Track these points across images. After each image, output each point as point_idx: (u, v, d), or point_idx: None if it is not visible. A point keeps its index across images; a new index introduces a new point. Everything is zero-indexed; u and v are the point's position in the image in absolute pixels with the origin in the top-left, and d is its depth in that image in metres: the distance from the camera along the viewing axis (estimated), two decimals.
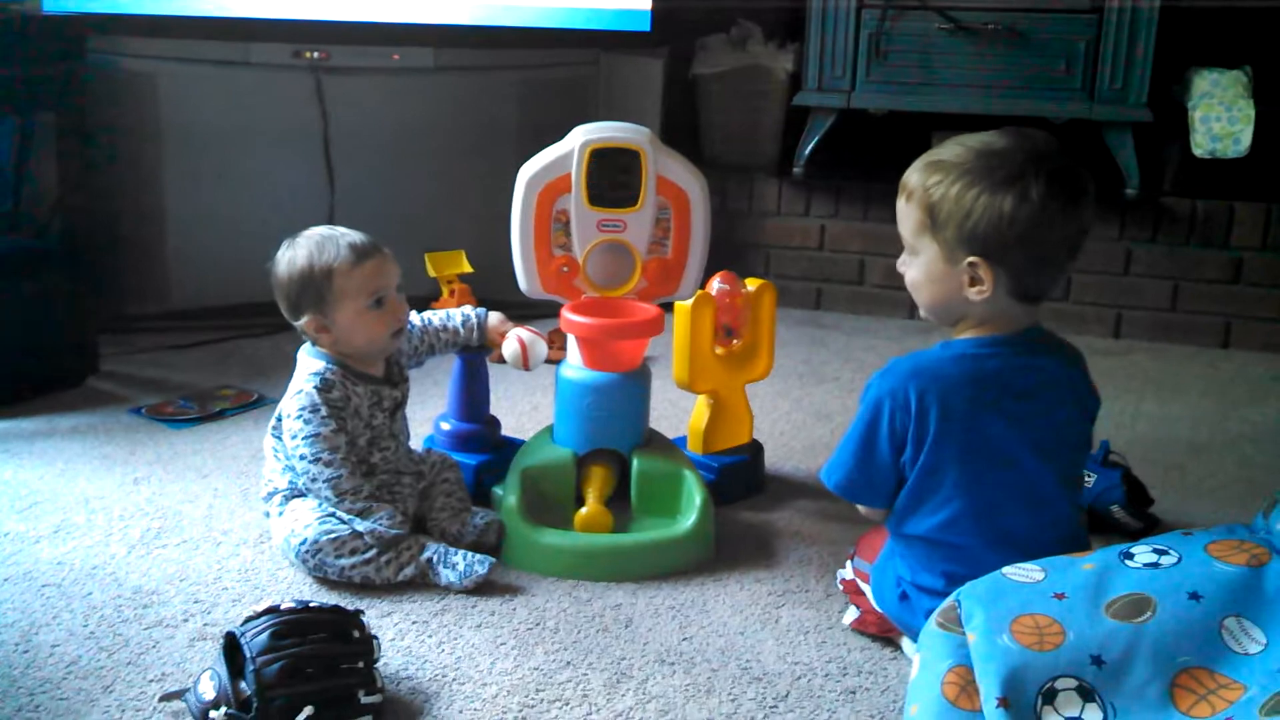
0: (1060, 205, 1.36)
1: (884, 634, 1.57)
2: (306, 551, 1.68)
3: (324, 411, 1.72)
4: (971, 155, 1.39)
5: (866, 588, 1.59)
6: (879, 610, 1.56)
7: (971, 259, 1.39)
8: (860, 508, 1.56)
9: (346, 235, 1.75)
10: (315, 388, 1.72)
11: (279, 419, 1.77)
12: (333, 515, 1.71)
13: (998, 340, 1.45)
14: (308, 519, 1.70)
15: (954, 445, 1.43)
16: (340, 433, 1.73)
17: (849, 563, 1.66)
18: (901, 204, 1.46)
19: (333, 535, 1.68)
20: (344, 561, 1.67)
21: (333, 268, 1.71)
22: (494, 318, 1.93)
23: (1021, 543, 1.41)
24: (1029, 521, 1.45)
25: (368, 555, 1.67)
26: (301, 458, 1.72)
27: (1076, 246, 1.42)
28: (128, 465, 2.10)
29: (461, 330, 1.92)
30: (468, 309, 1.94)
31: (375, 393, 1.78)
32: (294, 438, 1.72)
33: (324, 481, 1.71)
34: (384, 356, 1.81)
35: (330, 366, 1.75)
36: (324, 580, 1.70)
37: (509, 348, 1.88)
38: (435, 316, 1.93)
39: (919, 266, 1.46)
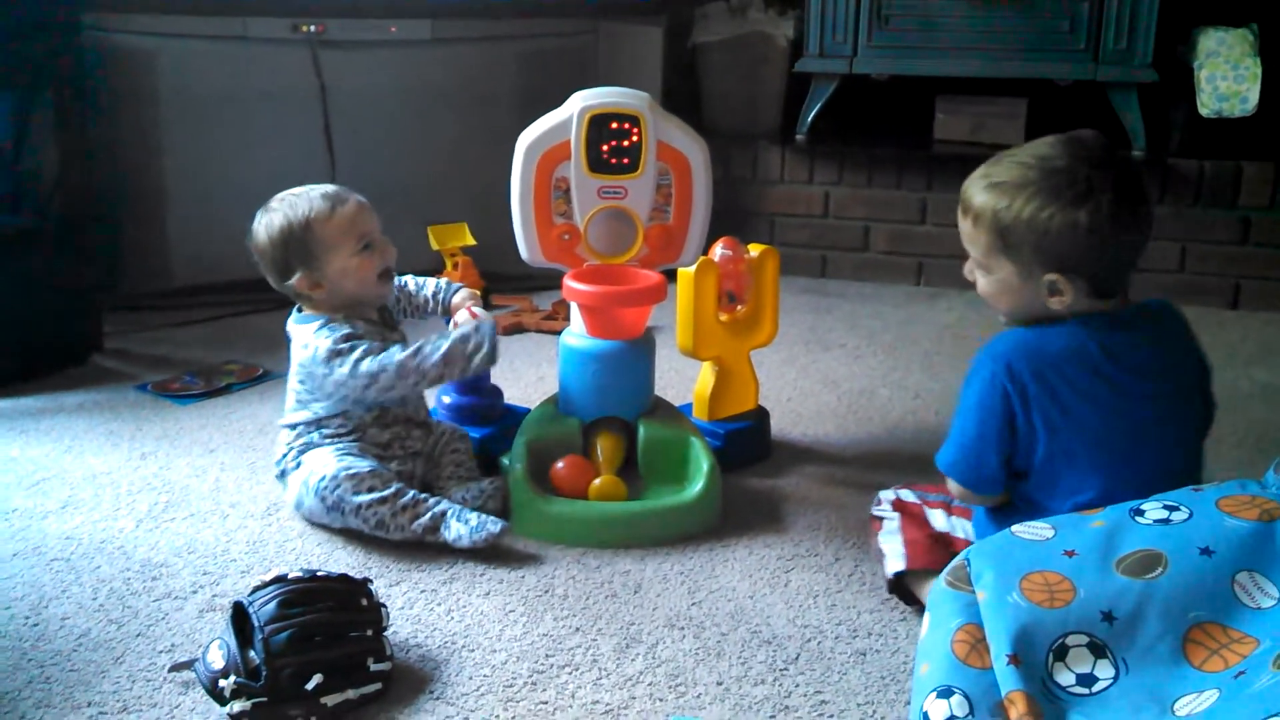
0: (1129, 210, 1.39)
1: (930, 566, 1.50)
2: (325, 488, 1.69)
3: (346, 345, 1.73)
4: (1035, 174, 1.39)
5: (940, 515, 1.59)
6: (944, 534, 1.56)
7: (1051, 277, 1.41)
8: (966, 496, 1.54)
9: (316, 188, 1.77)
10: (328, 337, 1.74)
11: (302, 391, 1.79)
12: (350, 454, 1.72)
13: (1093, 317, 1.44)
14: (326, 459, 1.73)
15: (1076, 420, 1.42)
16: (361, 348, 1.74)
17: (906, 489, 1.66)
18: (967, 226, 1.47)
19: (351, 471, 1.69)
20: (361, 498, 1.67)
21: (310, 219, 1.73)
22: (459, 296, 1.92)
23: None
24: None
25: (385, 493, 1.68)
26: (366, 387, 1.73)
27: (1146, 240, 1.44)
28: (134, 441, 2.10)
29: (430, 300, 1.94)
30: (443, 281, 1.95)
31: (379, 333, 1.80)
32: (350, 377, 1.72)
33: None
34: (376, 304, 1.83)
35: (328, 319, 1.77)
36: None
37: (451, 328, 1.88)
38: (411, 281, 1.94)
39: (995, 282, 1.47)
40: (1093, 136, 1.42)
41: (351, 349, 1.74)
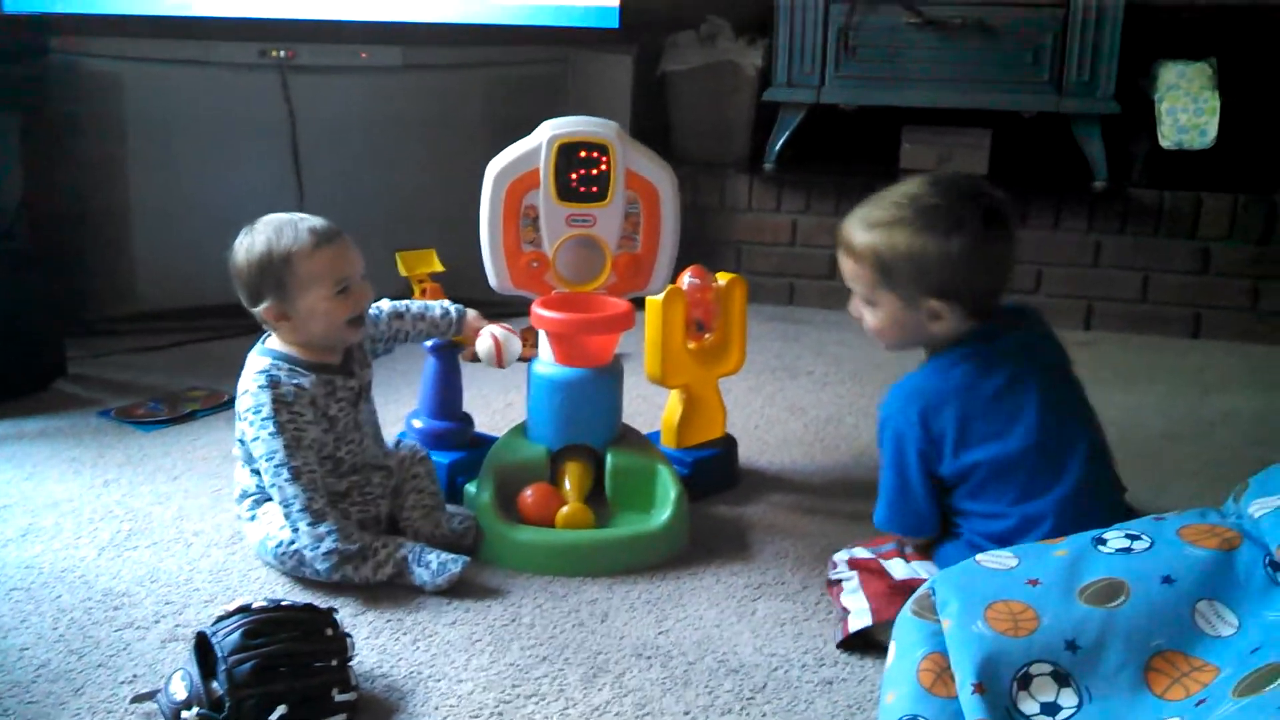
0: (997, 234, 1.53)
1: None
2: (283, 554, 1.67)
3: (266, 412, 1.66)
4: (909, 211, 1.53)
5: (898, 564, 1.60)
6: (906, 580, 1.56)
7: (931, 303, 1.53)
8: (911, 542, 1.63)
9: (306, 220, 1.71)
10: (260, 386, 1.68)
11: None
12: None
13: (971, 338, 1.56)
14: (281, 519, 1.68)
15: (976, 443, 1.52)
16: (285, 430, 1.67)
17: (859, 547, 1.66)
18: (850, 264, 1.59)
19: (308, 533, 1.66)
20: (320, 565, 1.65)
21: (291, 253, 1.67)
22: (471, 314, 1.91)
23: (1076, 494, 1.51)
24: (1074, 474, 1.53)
25: (346, 552, 1.65)
26: (250, 460, 1.71)
27: (1012, 262, 1.60)
28: (97, 468, 2.08)
29: (440, 322, 1.90)
30: (446, 303, 1.93)
31: (328, 382, 1.72)
32: (256, 440, 1.68)
33: (277, 485, 1.67)
34: (340, 346, 1.76)
35: (276, 363, 1.70)
36: (299, 579, 1.68)
37: (483, 344, 1.86)
38: (414, 305, 1.90)
39: (880, 316, 1.59)
40: (959, 174, 1.58)
41: (264, 424, 1.66)
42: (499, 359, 1.85)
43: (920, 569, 1.58)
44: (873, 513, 1.63)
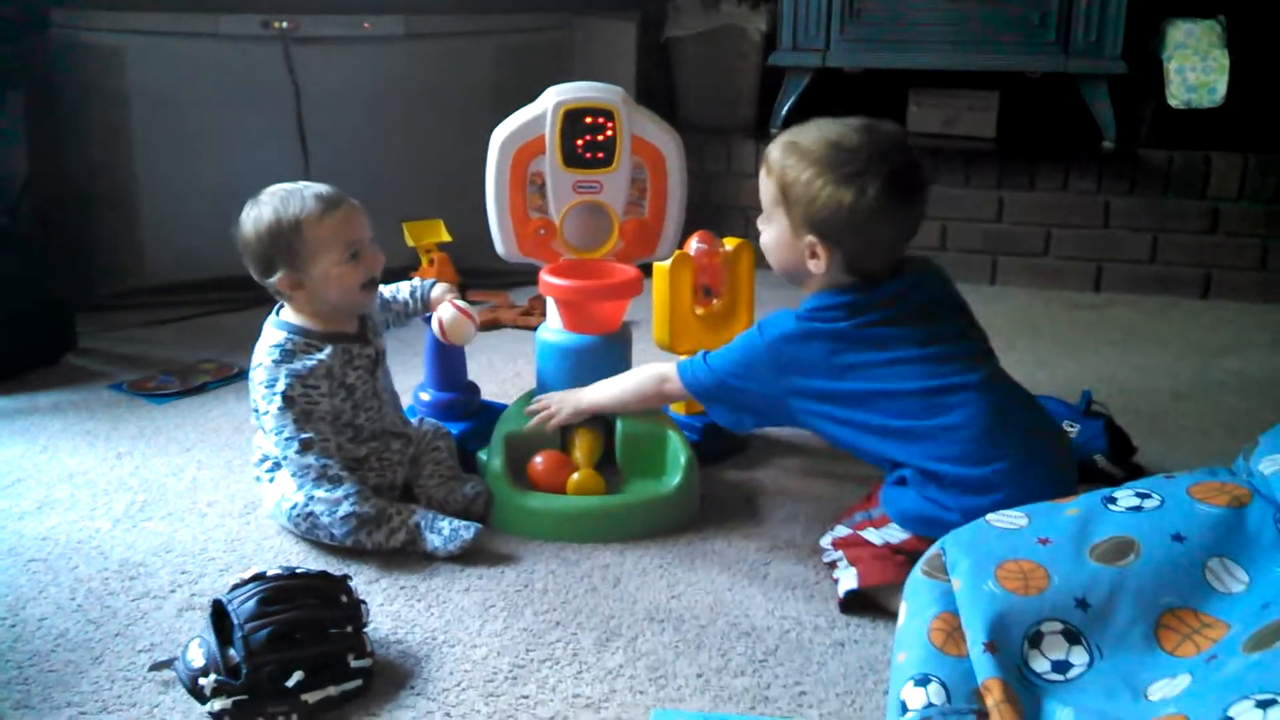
0: (893, 202, 1.53)
1: (886, 580, 1.53)
2: (298, 515, 1.68)
3: (279, 387, 1.68)
4: (824, 146, 1.55)
5: (872, 532, 1.60)
6: (885, 544, 1.57)
7: (810, 238, 1.56)
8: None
9: (311, 187, 1.71)
10: (275, 361, 1.69)
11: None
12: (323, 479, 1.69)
13: (841, 292, 1.59)
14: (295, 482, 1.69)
15: (859, 370, 1.56)
16: (296, 404, 1.68)
17: (839, 525, 1.67)
18: (763, 175, 1.63)
19: (320, 500, 1.67)
20: (335, 529, 1.66)
21: (300, 220, 1.67)
22: (436, 290, 1.91)
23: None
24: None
25: (360, 515, 1.66)
26: (266, 430, 1.71)
27: (908, 235, 1.60)
28: (110, 440, 2.09)
29: (410, 302, 1.92)
30: (417, 281, 1.93)
31: (345, 350, 1.74)
32: (265, 414, 1.70)
33: (289, 458, 1.68)
34: (357, 313, 1.78)
35: (290, 337, 1.71)
36: (315, 543, 1.70)
37: (433, 323, 1.86)
38: (386, 290, 1.90)
39: (771, 233, 1.63)
40: (891, 128, 1.60)
41: (273, 398, 1.67)
42: (444, 338, 1.85)
43: (890, 534, 1.59)
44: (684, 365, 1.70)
